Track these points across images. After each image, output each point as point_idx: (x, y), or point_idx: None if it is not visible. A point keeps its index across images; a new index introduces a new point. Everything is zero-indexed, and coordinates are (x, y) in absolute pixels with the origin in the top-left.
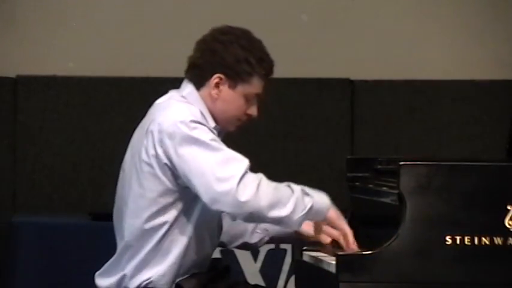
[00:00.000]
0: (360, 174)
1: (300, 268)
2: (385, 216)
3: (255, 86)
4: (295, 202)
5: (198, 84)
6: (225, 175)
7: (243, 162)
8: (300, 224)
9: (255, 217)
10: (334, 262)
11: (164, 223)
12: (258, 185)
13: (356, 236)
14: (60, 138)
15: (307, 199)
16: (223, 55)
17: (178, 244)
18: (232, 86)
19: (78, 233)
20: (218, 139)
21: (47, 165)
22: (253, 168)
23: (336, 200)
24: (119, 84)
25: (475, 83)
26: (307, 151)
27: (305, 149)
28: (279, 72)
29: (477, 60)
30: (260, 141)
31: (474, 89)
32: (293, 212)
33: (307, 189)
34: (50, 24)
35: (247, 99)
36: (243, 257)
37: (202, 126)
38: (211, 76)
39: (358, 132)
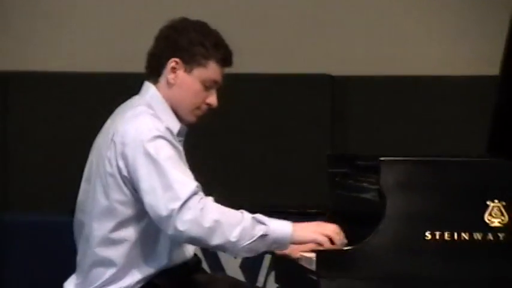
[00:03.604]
0: (341, 170)
1: (280, 264)
2: (366, 212)
3: (212, 70)
4: (242, 230)
5: (156, 75)
6: (169, 200)
7: (188, 187)
8: (252, 252)
9: (196, 243)
10: (314, 258)
11: (133, 234)
12: (202, 210)
13: None
14: (51, 134)
15: (258, 227)
16: (178, 39)
17: (150, 253)
18: (188, 70)
19: (69, 231)
20: (177, 154)
21: (37, 162)
22: (235, 164)
23: (316, 195)
24: (109, 80)
25: (456, 79)
26: (288, 147)
27: (285, 145)
28: (259, 68)
29: (459, 56)
30: (241, 137)
31: (456, 85)
32: (239, 239)
33: (264, 218)
34: (41, 21)
35: (205, 85)
36: (223, 253)
37: (164, 142)
38: (167, 61)
39: (339, 128)
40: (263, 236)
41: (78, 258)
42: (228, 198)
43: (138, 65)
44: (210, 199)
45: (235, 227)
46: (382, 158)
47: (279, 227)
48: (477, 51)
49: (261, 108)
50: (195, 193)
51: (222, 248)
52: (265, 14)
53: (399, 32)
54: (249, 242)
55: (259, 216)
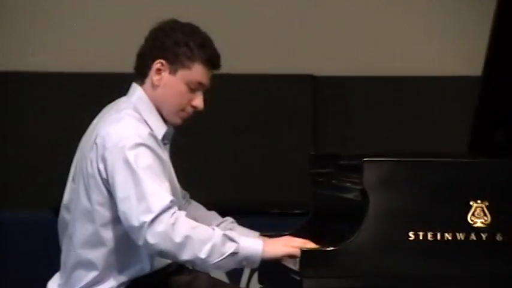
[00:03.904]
0: (323, 170)
1: (263, 264)
2: (349, 212)
3: (197, 72)
4: (212, 247)
5: (142, 75)
6: (141, 211)
7: (163, 200)
8: (222, 268)
9: (166, 257)
10: (298, 258)
11: (114, 236)
12: (173, 225)
13: (319, 232)
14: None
15: (229, 245)
16: (164, 40)
17: (132, 257)
18: (173, 72)
19: (40, 229)
20: (158, 163)
21: (9, 160)
22: (217, 164)
23: (298, 195)
24: (84, 80)
25: (438, 79)
26: (270, 147)
27: (268, 145)
28: (242, 68)
29: (439, 56)
30: (223, 137)
31: (438, 85)
32: (208, 256)
33: (235, 235)
34: (16, 21)
35: (190, 87)
36: None
37: (145, 150)
38: (153, 62)
39: (321, 128)
40: (233, 254)
41: (62, 257)
42: (210, 198)
43: (124, 66)
44: (183, 214)
45: (206, 243)
46: (365, 158)
47: (250, 245)
48: (459, 51)
49: (243, 108)
50: (168, 207)
51: (191, 263)
52: (248, 14)
53: (381, 32)
54: (218, 259)
55: (230, 233)
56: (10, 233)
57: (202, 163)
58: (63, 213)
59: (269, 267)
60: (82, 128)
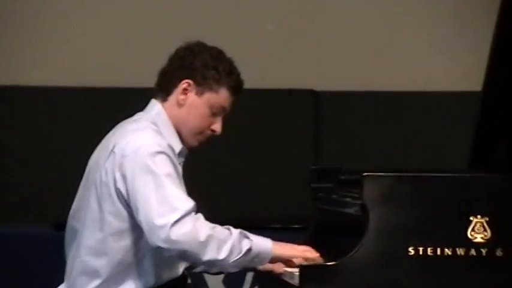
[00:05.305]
0: (324, 185)
1: (263, 279)
2: (349, 227)
3: (222, 97)
4: (232, 245)
5: (166, 93)
6: (165, 211)
7: (187, 203)
8: (237, 267)
9: (188, 257)
10: (297, 273)
11: (121, 246)
12: (196, 225)
13: (319, 246)
14: (24, 147)
15: (245, 242)
16: (192, 60)
17: (137, 269)
18: (200, 93)
19: (41, 243)
20: (176, 173)
21: (10, 174)
22: (217, 179)
23: (299, 210)
24: (83, 94)
25: (439, 94)
26: (271, 162)
27: (269, 160)
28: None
29: (441, 71)
30: (224, 152)
31: (438, 100)
32: (229, 255)
33: (248, 233)
34: (16, 34)
35: (213, 111)
36: None
37: (165, 158)
38: (180, 81)
39: (322, 143)
40: (248, 250)
41: (68, 266)
42: (211, 213)
43: (114, 80)
44: (201, 216)
45: (226, 242)
46: (365, 173)
47: (261, 242)
48: (460, 66)
49: (244, 123)
50: (192, 211)
51: (211, 263)
52: (250, 29)
53: (383, 47)
54: (237, 257)
55: (243, 231)
56: (9, 248)
57: (203, 178)
58: (72, 222)
59: (268, 283)
60: (81, 143)
